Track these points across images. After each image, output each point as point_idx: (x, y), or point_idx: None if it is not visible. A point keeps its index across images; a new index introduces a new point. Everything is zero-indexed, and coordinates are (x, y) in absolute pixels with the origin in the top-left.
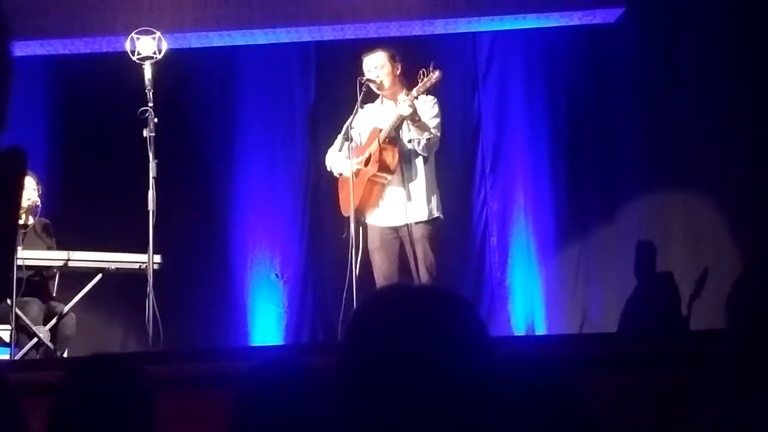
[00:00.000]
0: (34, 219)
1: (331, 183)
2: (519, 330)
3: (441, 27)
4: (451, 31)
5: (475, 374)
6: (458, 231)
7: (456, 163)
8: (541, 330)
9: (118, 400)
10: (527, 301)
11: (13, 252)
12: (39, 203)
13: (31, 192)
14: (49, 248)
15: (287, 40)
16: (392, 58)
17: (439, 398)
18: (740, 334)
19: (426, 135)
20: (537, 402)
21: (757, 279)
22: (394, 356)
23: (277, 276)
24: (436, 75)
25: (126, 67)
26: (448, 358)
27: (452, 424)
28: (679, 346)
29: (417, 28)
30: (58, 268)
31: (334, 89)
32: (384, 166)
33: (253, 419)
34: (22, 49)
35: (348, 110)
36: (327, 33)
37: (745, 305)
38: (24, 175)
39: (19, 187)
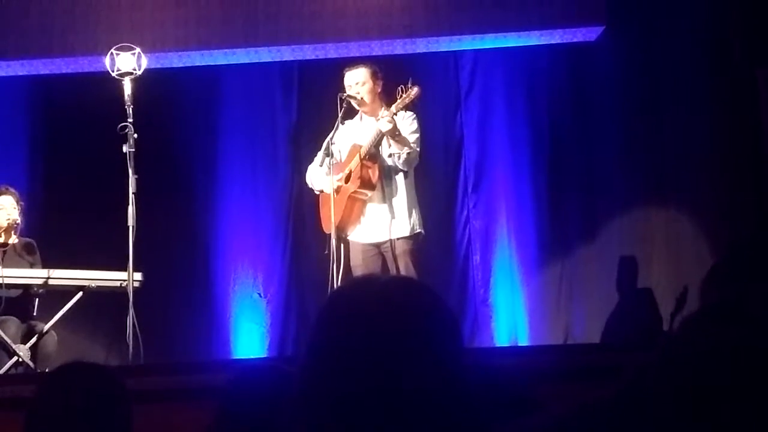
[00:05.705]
0: (15, 237)
1: (313, 200)
2: None
3: (423, 46)
4: (433, 50)
5: (444, 362)
6: (441, 249)
7: (439, 181)
8: None
9: (95, 408)
10: (511, 319)
11: None
12: (19, 221)
13: (11, 210)
14: (32, 266)
15: (269, 59)
16: (374, 75)
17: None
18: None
19: (406, 150)
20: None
21: (728, 270)
22: (363, 344)
23: (260, 295)
24: (414, 91)
25: (107, 85)
26: (417, 348)
27: (419, 419)
28: None
29: (399, 47)
30: (38, 286)
31: (317, 108)
32: (365, 182)
33: (235, 429)
34: (3, 69)
35: (330, 128)
36: (309, 52)
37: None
38: None
39: None
